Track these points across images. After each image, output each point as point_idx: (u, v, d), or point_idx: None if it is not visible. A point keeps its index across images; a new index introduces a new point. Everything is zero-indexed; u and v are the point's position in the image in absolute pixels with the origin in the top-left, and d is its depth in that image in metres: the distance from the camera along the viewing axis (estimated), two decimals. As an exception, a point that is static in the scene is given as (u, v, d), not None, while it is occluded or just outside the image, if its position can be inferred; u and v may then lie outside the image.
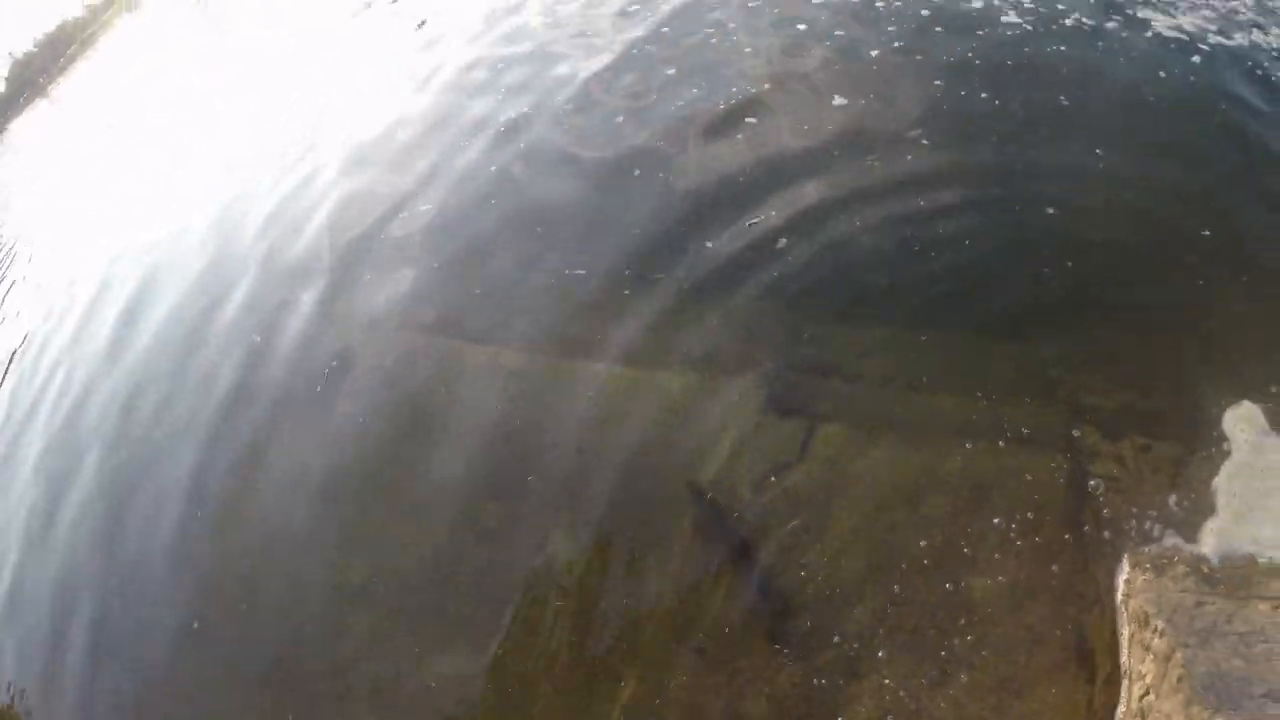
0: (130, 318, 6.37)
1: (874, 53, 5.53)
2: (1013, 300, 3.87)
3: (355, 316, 5.10)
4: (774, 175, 4.79)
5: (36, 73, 17.99)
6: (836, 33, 5.81)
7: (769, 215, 4.48)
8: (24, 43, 18.48)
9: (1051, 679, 2.79)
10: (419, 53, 7.93)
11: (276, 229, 6.30)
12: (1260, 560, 2.93)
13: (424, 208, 5.64)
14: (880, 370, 3.60)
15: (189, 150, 9.60)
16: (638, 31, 6.69)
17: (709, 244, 4.41)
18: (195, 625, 4.01)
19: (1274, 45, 5.27)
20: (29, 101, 17.92)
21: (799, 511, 3.25)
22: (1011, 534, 3.06)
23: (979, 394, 3.46)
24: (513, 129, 6.01)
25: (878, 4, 6.00)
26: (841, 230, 4.28)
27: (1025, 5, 5.78)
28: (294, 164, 7.06)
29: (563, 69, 6.50)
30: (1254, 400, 3.35)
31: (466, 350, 4.41)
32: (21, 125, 17.66)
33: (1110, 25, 5.55)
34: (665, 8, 6.82)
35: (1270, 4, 5.66)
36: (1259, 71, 5.07)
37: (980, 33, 5.57)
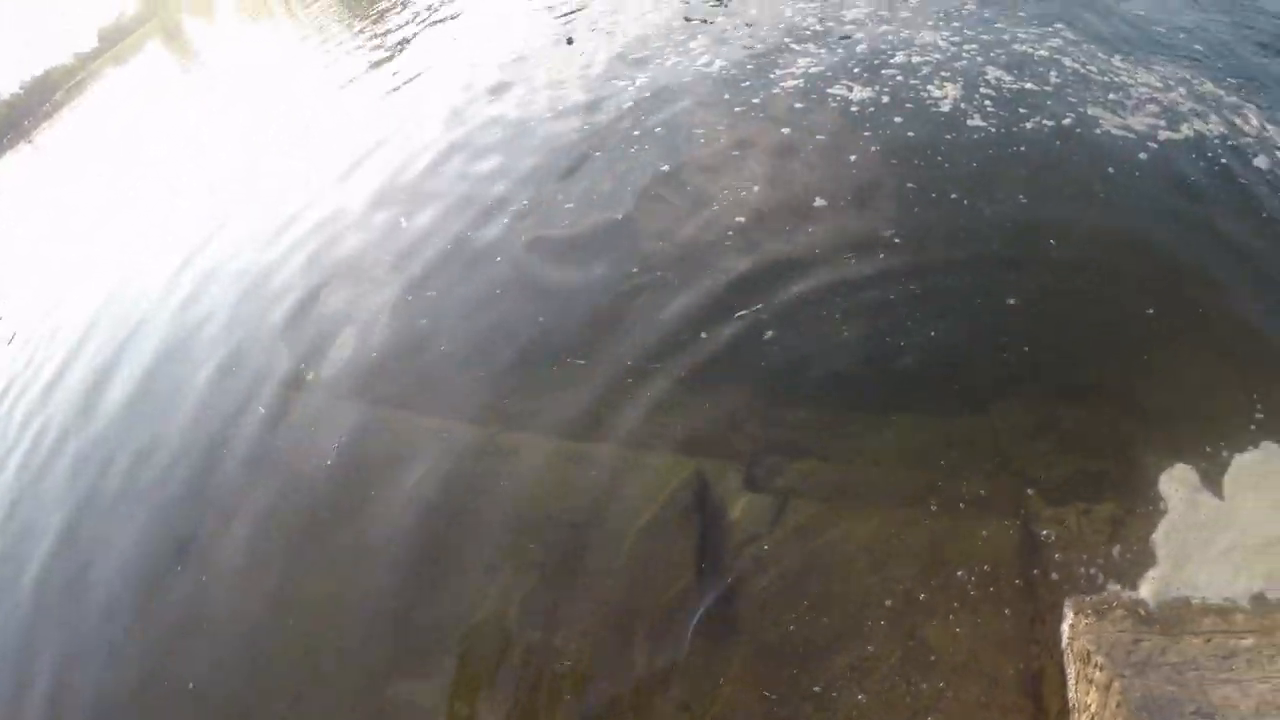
0: (110, 374, 6.86)
1: (851, 156, 6.10)
2: (969, 379, 4.27)
3: (327, 387, 5.53)
4: (746, 266, 5.31)
5: (21, 116, 18.64)
6: (818, 137, 6.45)
7: (746, 305, 4.96)
8: (9, 85, 19.23)
9: (1009, 716, 3.10)
10: (398, 140, 8.84)
11: (256, 299, 6.90)
12: (1194, 601, 3.25)
13: (398, 286, 6.23)
14: (847, 448, 3.99)
15: (173, 205, 10.48)
16: (606, 119, 7.52)
17: (696, 333, 4.86)
18: (191, 686, 4.17)
19: (1213, 134, 5.79)
20: (12, 144, 18.52)
21: (774, 577, 3.57)
22: (969, 588, 3.39)
23: (938, 466, 3.84)
24: (486, 215, 6.69)
25: (852, 109, 6.65)
26: (812, 318, 4.75)
27: (988, 109, 6.39)
28: (278, 233, 7.77)
29: (530, 162, 7.26)
30: (1187, 461, 3.71)
31: (455, 429, 4.79)
32: (3, 168, 18.41)
33: (1066, 122, 6.12)
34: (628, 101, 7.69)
35: (1199, 91, 6.25)
36: (1200, 163, 5.58)
37: (949, 137, 6.16)
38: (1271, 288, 4.61)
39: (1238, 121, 5.93)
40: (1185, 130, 5.91)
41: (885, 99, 6.70)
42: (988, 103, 6.45)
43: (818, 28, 8.31)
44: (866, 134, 6.34)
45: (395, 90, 10.63)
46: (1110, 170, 5.60)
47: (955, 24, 7.71)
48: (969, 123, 6.29)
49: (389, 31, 14.97)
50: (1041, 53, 6.93)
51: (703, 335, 4.86)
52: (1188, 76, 6.45)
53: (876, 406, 4.21)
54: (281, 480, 4.98)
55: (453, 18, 13.93)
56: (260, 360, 6.09)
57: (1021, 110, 6.35)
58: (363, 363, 5.61)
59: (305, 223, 7.76)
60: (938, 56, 7.15)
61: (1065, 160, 5.78)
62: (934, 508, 3.69)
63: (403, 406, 5.10)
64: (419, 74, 10.99)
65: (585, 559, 3.91)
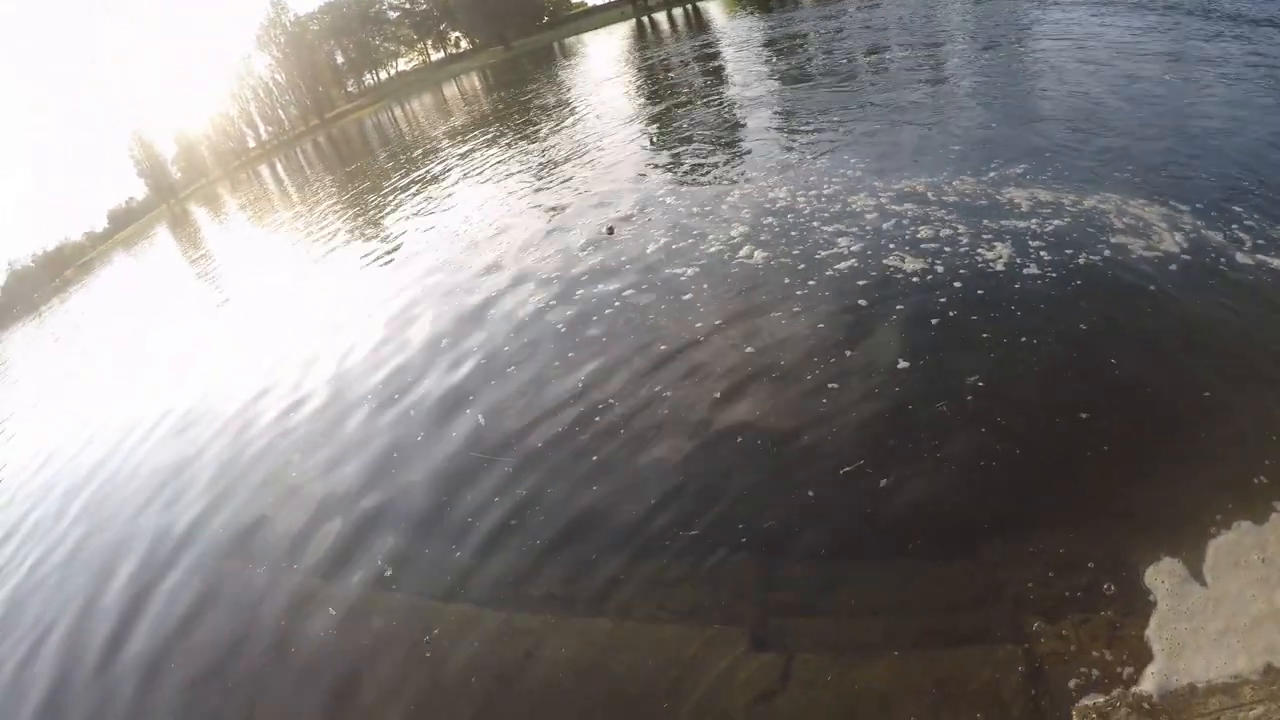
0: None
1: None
2: (956, 520, 4.47)
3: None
4: (744, 428, 5.82)
5: (31, 288, 20.92)
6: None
7: (740, 469, 5.41)
8: (22, 257, 22.01)
9: (1030, 835, 3.04)
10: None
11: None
12: (1198, 686, 3.23)
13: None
14: (846, 601, 4.12)
15: (145, 403, 12.37)
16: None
17: (691, 506, 5.23)
18: None
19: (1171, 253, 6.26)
20: (19, 316, 20.76)
21: (787, 733, 3.65)
22: (981, 715, 3.44)
23: (937, 607, 3.94)
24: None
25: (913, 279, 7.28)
26: (801, 481, 5.09)
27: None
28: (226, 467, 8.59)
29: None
30: (1170, 554, 3.82)
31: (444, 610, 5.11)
32: (10, 338, 20.78)
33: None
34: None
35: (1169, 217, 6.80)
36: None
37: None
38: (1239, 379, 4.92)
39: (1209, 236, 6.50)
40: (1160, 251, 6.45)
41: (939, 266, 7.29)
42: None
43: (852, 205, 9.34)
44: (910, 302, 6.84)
45: (401, 311, 11.49)
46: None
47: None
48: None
49: (390, 234, 16.98)
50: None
51: (699, 504, 5.24)
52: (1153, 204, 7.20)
53: (873, 558, 4.39)
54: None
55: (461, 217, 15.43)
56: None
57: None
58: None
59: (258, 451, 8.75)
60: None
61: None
62: (936, 647, 3.76)
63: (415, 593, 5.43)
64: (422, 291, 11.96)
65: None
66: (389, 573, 5.70)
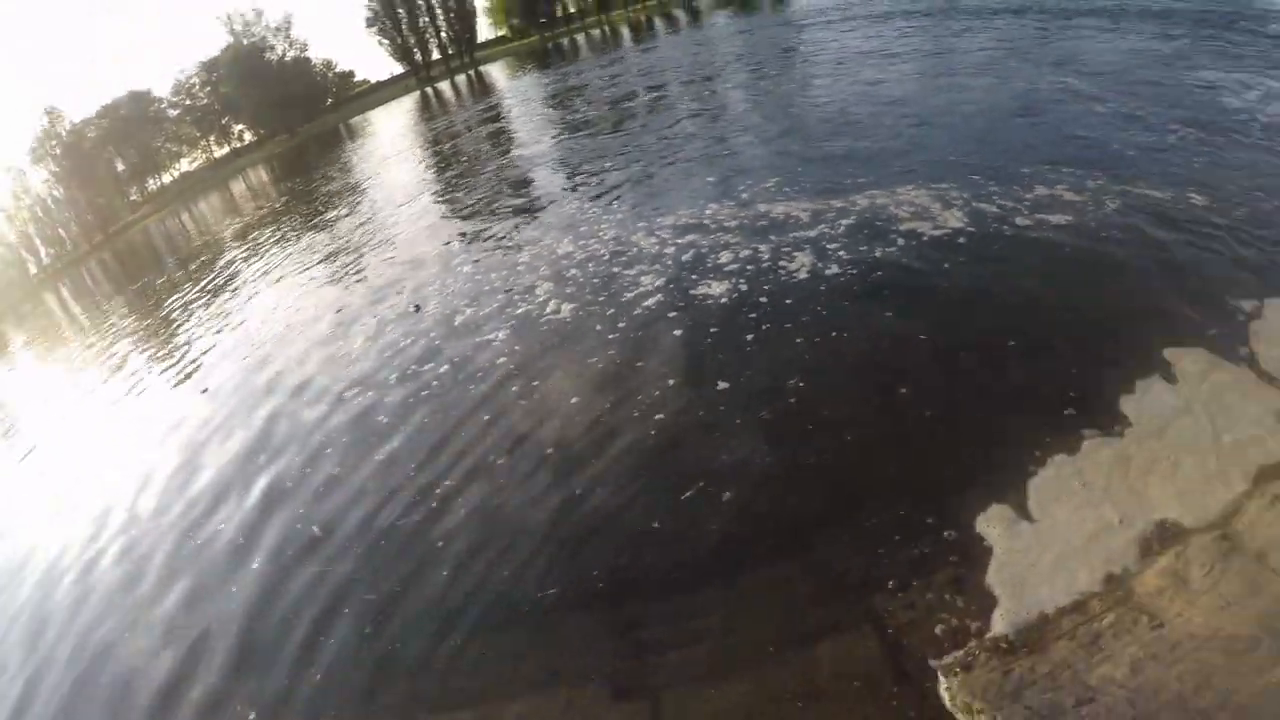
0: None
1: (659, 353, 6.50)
2: (792, 521, 4.40)
3: None
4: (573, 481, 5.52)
5: None
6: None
7: (573, 531, 5.05)
8: None
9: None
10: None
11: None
12: (1048, 613, 3.30)
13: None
14: (700, 626, 3.94)
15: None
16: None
17: (533, 570, 4.83)
18: None
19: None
20: None
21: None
22: (851, 701, 3.29)
23: (787, 610, 3.85)
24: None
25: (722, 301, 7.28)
26: (638, 517, 4.89)
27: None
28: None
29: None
30: (997, 501, 3.93)
31: None
32: None
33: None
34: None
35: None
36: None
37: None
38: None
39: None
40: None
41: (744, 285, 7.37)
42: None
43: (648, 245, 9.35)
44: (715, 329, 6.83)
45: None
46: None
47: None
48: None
49: (184, 351, 14.60)
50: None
51: (540, 569, 4.87)
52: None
53: (719, 577, 4.23)
54: None
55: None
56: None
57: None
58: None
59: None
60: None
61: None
62: (795, 648, 3.63)
63: None
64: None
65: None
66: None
